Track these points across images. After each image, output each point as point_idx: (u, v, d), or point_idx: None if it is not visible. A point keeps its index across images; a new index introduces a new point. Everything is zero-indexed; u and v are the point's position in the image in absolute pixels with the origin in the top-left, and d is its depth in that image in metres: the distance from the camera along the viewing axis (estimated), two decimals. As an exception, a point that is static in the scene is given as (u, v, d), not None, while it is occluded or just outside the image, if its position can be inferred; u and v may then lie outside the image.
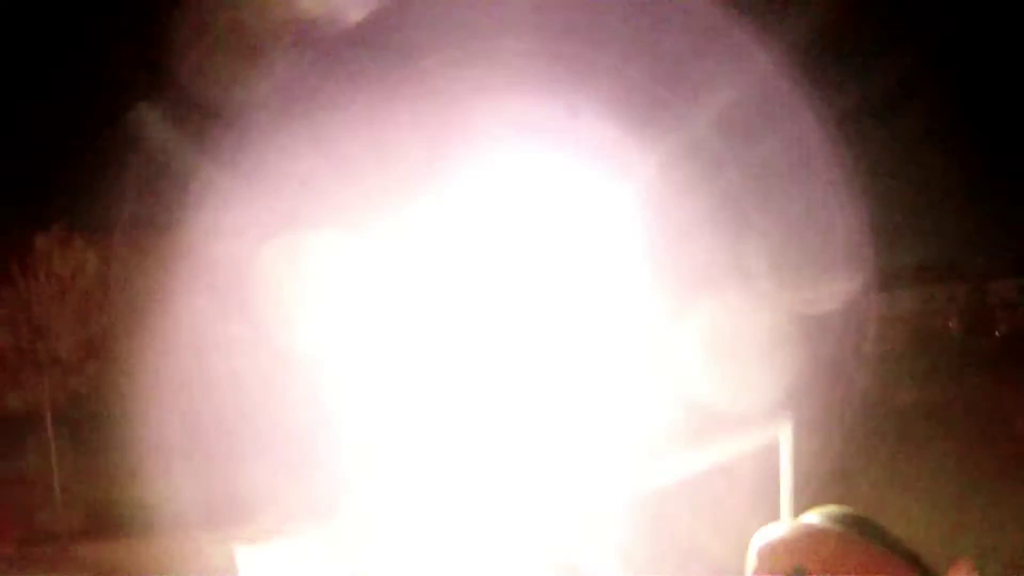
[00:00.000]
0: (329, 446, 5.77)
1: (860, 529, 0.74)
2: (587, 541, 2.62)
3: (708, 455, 2.95)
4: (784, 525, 0.78)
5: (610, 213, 5.95)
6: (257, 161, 8.63)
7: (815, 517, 0.77)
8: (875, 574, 0.70)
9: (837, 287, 12.83)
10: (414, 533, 2.32)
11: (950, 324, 30.93)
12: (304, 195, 8.12)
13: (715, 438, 3.10)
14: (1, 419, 12.71)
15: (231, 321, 9.69)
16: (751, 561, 0.77)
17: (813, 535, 0.75)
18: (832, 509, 0.77)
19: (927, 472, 9.64)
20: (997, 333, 29.38)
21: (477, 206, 5.65)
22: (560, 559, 2.55)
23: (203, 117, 9.58)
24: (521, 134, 6.11)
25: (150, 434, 8.90)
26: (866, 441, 9.89)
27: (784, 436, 3.10)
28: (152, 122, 9.97)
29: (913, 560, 0.72)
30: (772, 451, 3.08)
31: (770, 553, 0.75)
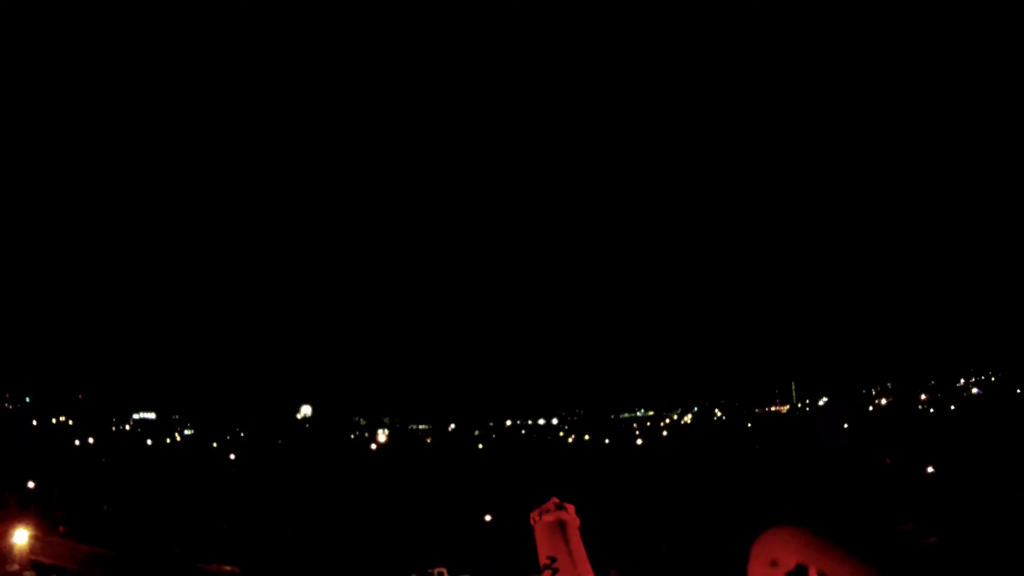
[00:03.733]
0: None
1: (856, 534, 0.78)
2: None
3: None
4: (785, 527, 0.81)
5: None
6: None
7: (814, 521, 0.80)
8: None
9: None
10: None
11: None
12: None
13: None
14: None
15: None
16: (752, 561, 0.80)
17: (813, 537, 0.78)
18: (829, 514, 0.81)
19: None
20: None
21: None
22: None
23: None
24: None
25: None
26: None
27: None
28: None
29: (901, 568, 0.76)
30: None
31: (771, 553, 0.78)
